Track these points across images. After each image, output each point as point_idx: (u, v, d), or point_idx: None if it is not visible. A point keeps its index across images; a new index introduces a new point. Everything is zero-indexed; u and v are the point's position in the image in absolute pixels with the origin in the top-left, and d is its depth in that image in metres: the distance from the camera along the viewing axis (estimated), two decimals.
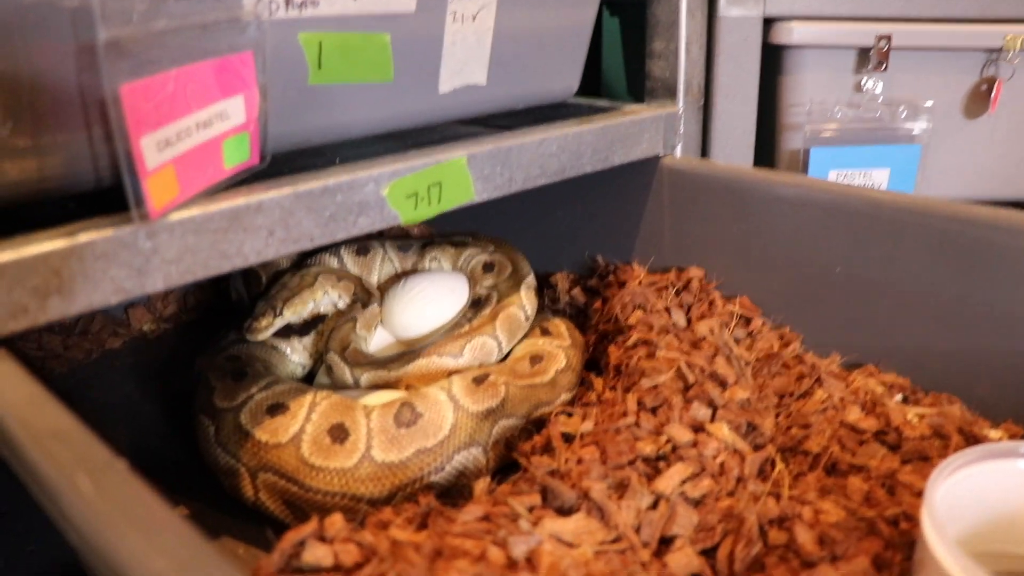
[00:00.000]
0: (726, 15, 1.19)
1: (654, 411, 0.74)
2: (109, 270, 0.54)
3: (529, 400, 0.81)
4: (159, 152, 0.53)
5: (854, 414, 0.75)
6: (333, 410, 0.76)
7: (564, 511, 0.62)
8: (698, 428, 0.71)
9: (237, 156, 0.62)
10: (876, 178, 1.21)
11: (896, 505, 0.62)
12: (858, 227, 0.84)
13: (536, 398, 0.82)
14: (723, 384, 0.78)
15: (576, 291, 1.07)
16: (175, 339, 1.16)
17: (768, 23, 1.21)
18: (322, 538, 0.55)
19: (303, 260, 1.02)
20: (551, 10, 0.88)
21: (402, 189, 0.69)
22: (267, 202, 0.61)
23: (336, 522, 0.56)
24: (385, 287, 1.00)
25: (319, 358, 0.94)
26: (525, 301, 0.92)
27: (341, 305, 0.95)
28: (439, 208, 0.73)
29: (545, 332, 0.93)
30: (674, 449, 0.69)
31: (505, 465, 0.80)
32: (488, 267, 0.98)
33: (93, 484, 0.36)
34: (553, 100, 0.98)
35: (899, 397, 0.80)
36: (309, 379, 0.94)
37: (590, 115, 0.91)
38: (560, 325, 0.95)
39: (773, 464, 0.71)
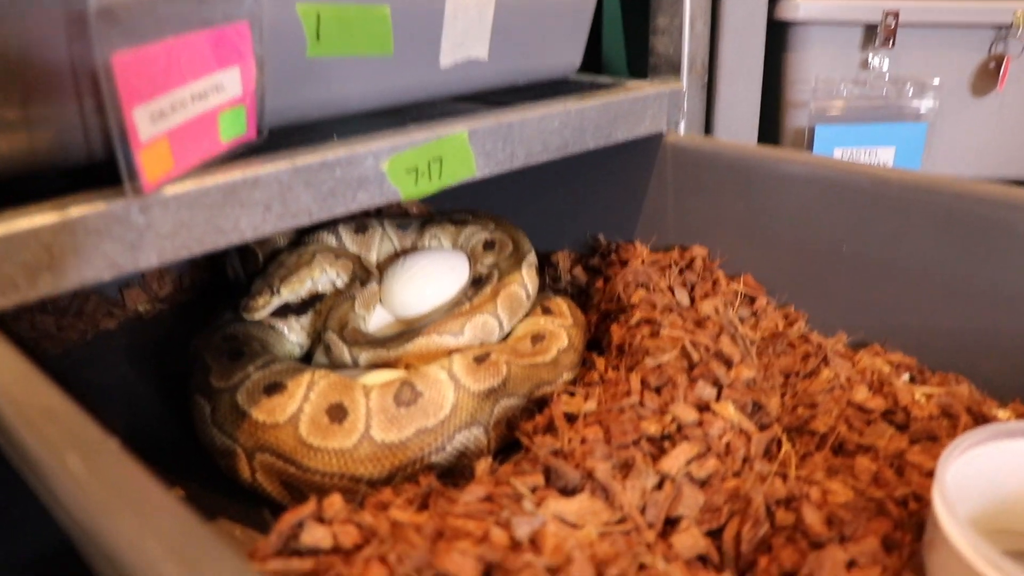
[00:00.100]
0: None
1: (658, 390, 0.73)
2: (101, 245, 0.53)
3: (531, 379, 0.80)
4: (152, 124, 0.52)
5: (861, 394, 0.74)
6: (332, 389, 0.74)
7: (568, 491, 0.60)
8: (703, 408, 0.70)
9: (233, 130, 0.61)
10: (881, 156, 1.20)
11: (905, 485, 0.61)
12: (864, 205, 0.83)
13: (538, 377, 0.81)
14: (728, 363, 0.77)
15: (577, 270, 1.06)
16: (171, 320, 1.15)
17: None
18: (321, 519, 0.54)
19: (301, 238, 1.01)
20: None
21: (402, 164, 0.68)
22: (264, 176, 0.60)
23: (335, 503, 0.55)
24: (384, 265, 0.99)
25: (317, 338, 0.93)
26: (526, 279, 0.90)
27: (339, 284, 0.94)
28: (440, 184, 0.71)
29: (546, 311, 0.92)
30: (679, 429, 0.68)
31: (506, 445, 0.79)
32: (489, 245, 0.97)
33: (83, 463, 0.34)
34: (555, 76, 0.96)
35: (906, 376, 0.79)
36: (307, 359, 0.93)
37: (592, 91, 0.89)
38: (562, 304, 0.94)
39: (779, 444, 0.70)
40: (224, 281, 1.14)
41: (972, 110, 1.23)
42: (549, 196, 1.13)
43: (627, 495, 0.60)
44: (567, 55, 0.94)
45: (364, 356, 0.84)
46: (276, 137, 0.67)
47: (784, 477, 0.65)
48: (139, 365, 1.03)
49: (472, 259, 0.97)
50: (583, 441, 0.65)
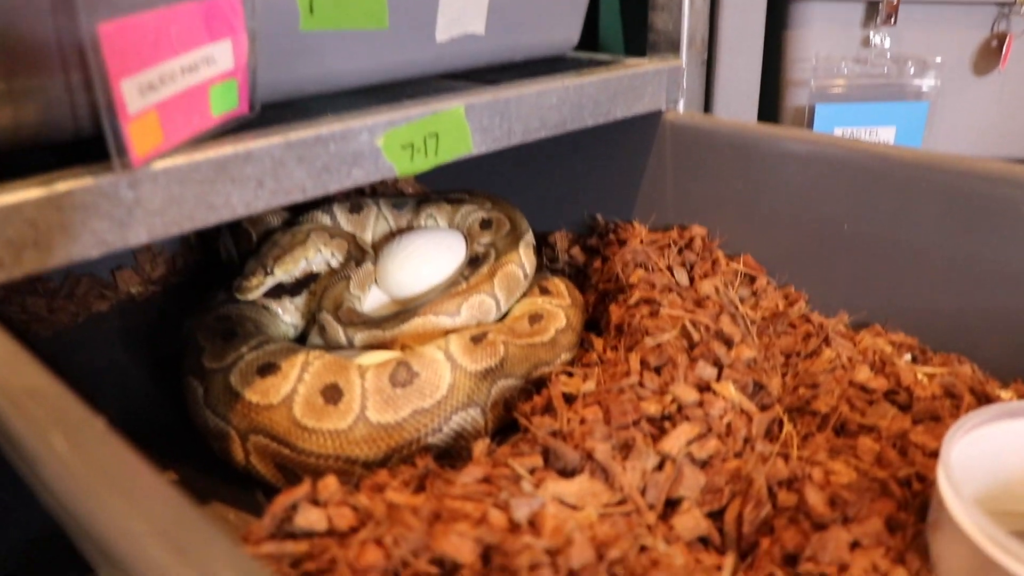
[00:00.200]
0: None
1: (658, 370, 0.72)
2: (89, 221, 0.51)
3: (529, 360, 0.79)
4: (141, 96, 0.50)
5: (863, 374, 0.73)
6: (326, 370, 0.73)
7: (567, 473, 0.60)
8: (704, 388, 0.69)
9: (225, 104, 0.59)
10: (882, 136, 1.19)
11: (908, 466, 0.60)
12: (866, 183, 0.82)
13: (536, 357, 0.80)
14: (729, 343, 0.76)
15: (575, 250, 1.05)
16: (163, 302, 1.13)
17: None
18: (315, 501, 0.53)
19: (295, 218, 1.00)
20: None
21: (397, 139, 0.66)
22: (257, 151, 0.58)
23: (330, 485, 0.54)
24: (379, 245, 0.97)
25: (311, 318, 0.91)
26: (524, 259, 0.89)
27: (334, 263, 0.93)
28: (436, 160, 0.70)
29: (544, 291, 0.91)
30: (679, 409, 0.67)
31: (504, 427, 0.78)
32: (485, 224, 0.95)
33: (68, 442, 0.33)
34: (552, 53, 0.95)
35: (908, 357, 0.78)
36: (301, 340, 0.92)
37: (591, 68, 0.88)
38: (559, 284, 0.93)
39: (781, 425, 0.69)
40: (217, 263, 1.13)
41: (974, 89, 1.22)
42: (546, 176, 1.12)
43: (627, 476, 0.59)
44: (565, 31, 0.93)
45: (359, 337, 0.82)
46: (269, 113, 0.66)
47: (786, 458, 0.64)
48: (132, 348, 1.02)
49: (468, 238, 0.95)
50: (582, 422, 0.64)
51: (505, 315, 0.89)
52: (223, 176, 0.57)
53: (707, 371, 0.71)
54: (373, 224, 1.01)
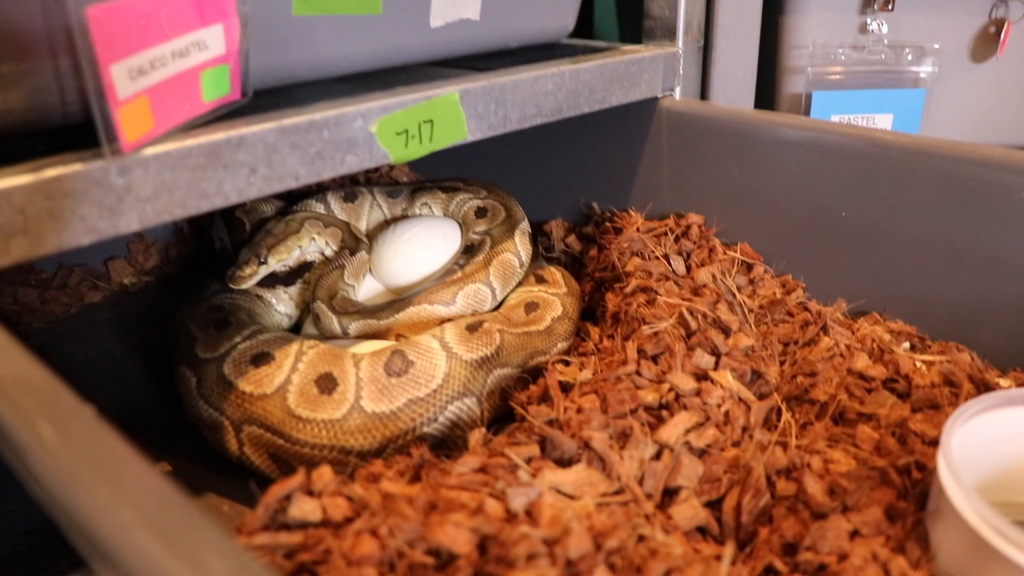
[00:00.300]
0: None
1: (655, 359, 0.71)
2: (79, 209, 0.51)
3: (525, 348, 0.79)
4: (131, 81, 0.50)
5: (862, 362, 0.72)
6: (321, 359, 0.73)
7: (564, 462, 0.59)
8: (701, 376, 0.69)
9: (217, 89, 0.59)
10: (879, 123, 1.18)
11: (908, 454, 0.60)
12: (864, 170, 0.81)
13: (532, 346, 0.79)
14: (726, 331, 0.75)
15: (571, 239, 1.05)
16: (156, 292, 1.13)
17: None
18: (309, 492, 0.53)
19: (288, 207, 0.99)
20: None
21: (392, 126, 0.65)
22: (249, 137, 0.58)
23: (324, 475, 0.54)
24: (374, 234, 0.97)
25: (306, 308, 0.91)
26: (519, 247, 0.89)
27: (328, 252, 0.92)
28: (431, 147, 0.69)
29: (540, 280, 0.90)
30: (677, 398, 0.66)
31: (500, 416, 0.77)
32: (480, 212, 0.95)
33: (56, 431, 0.33)
34: (548, 39, 0.94)
35: (906, 345, 0.78)
36: (295, 330, 0.92)
37: (587, 55, 0.87)
38: (555, 273, 0.92)
39: (779, 413, 0.69)
40: (210, 252, 1.12)
41: (972, 76, 1.21)
42: (541, 164, 1.11)
43: (625, 465, 0.58)
44: (560, 17, 0.92)
45: (354, 326, 0.82)
46: (261, 99, 0.65)
47: (784, 446, 0.63)
48: (125, 338, 1.02)
49: (464, 226, 0.95)
50: (579, 411, 0.64)
51: (501, 304, 0.88)
52: (215, 162, 0.56)
53: (705, 359, 0.71)
54: (367, 212, 1.00)
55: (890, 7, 1.14)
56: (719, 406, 0.66)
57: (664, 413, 0.65)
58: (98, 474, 0.31)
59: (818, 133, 0.84)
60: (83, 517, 0.29)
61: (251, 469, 0.74)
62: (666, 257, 0.89)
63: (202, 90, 0.57)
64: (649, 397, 0.65)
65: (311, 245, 0.91)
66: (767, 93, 1.25)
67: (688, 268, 0.88)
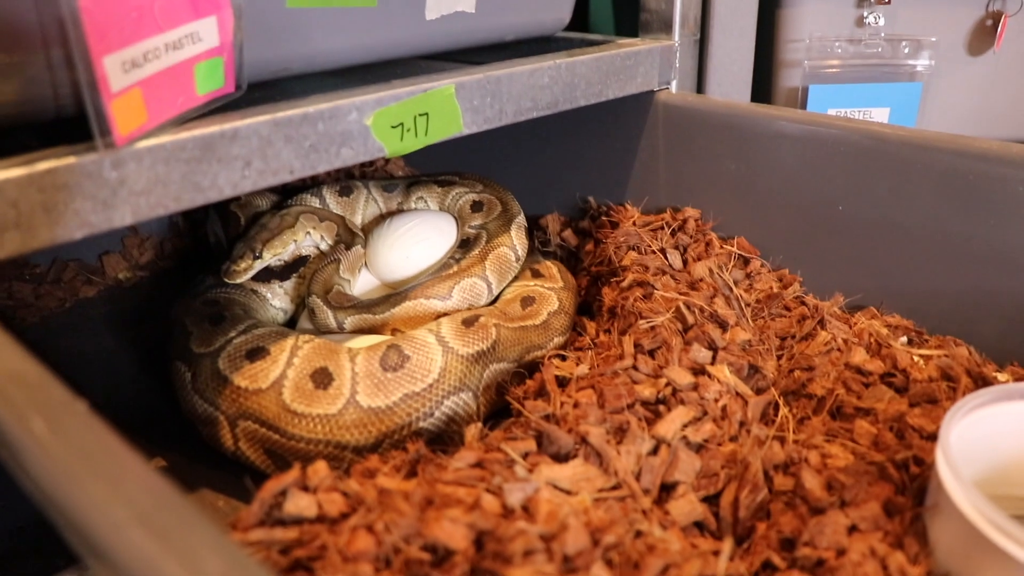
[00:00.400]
0: None
1: (652, 353, 0.71)
2: (72, 202, 0.50)
3: (521, 343, 0.78)
4: (125, 73, 0.49)
5: (859, 356, 0.72)
6: (316, 354, 0.72)
7: (561, 457, 0.59)
8: (699, 371, 0.68)
9: (211, 82, 0.58)
10: (876, 117, 1.18)
11: (906, 449, 0.60)
12: (861, 164, 0.81)
13: (528, 341, 0.79)
14: (723, 326, 0.75)
15: (567, 233, 1.04)
16: (151, 287, 1.12)
17: None
18: (305, 487, 0.53)
19: (283, 201, 0.98)
20: None
21: (387, 119, 0.65)
22: (243, 130, 0.57)
23: (320, 471, 0.54)
24: (369, 228, 0.96)
25: (301, 303, 0.91)
26: (515, 241, 0.88)
27: (323, 246, 0.92)
28: (426, 140, 0.69)
29: (536, 274, 0.90)
30: (674, 392, 0.66)
31: (496, 411, 0.77)
32: (476, 206, 0.94)
33: (48, 426, 0.32)
34: (543, 33, 0.94)
35: (904, 339, 0.77)
36: (291, 325, 0.91)
37: (583, 48, 0.87)
38: (551, 267, 0.92)
39: (776, 408, 0.68)
40: (205, 247, 1.11)
41: (968, 69, 1.21)
42: (537, 158, 1.11)
43: (622, 460, 0.58)
44: (556, 11, 0.92)
45: (350, 320, 0.81)
46: (256, 92, 0.65)
47: (782, 441, 0.63)
48: (119, 333, 1.01)
49: (459, 220, 0.94)
50: (576, 405, 0.63)
51: (497, 298, 0.88)
52: (209, 156, 0.56)
53: (702, 354, 0.70)
54: (363, 207, 1.00)
55: (887, 0, 1.14)
56: (716, 401, 0.65)
57: (661, 408, 0.65)
58: (91, 470, 0.30)
59: (815, 127, 0.83)
60: (76, 514, 0.29)
61: (246, 464, 0.74)
62: (662, 251, 0.89)
63: (196, 83, 0.57)
64: (646, 392, 0.65)
65: (306, 239, 0.91)
66: (763, 87, 1.25)
67: (685, 262, 0.88)
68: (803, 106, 1.19)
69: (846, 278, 0.84)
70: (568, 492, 0.55)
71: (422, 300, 0.81)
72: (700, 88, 1.19)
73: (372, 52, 0.75)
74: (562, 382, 0.70)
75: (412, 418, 0.71)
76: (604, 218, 1.00)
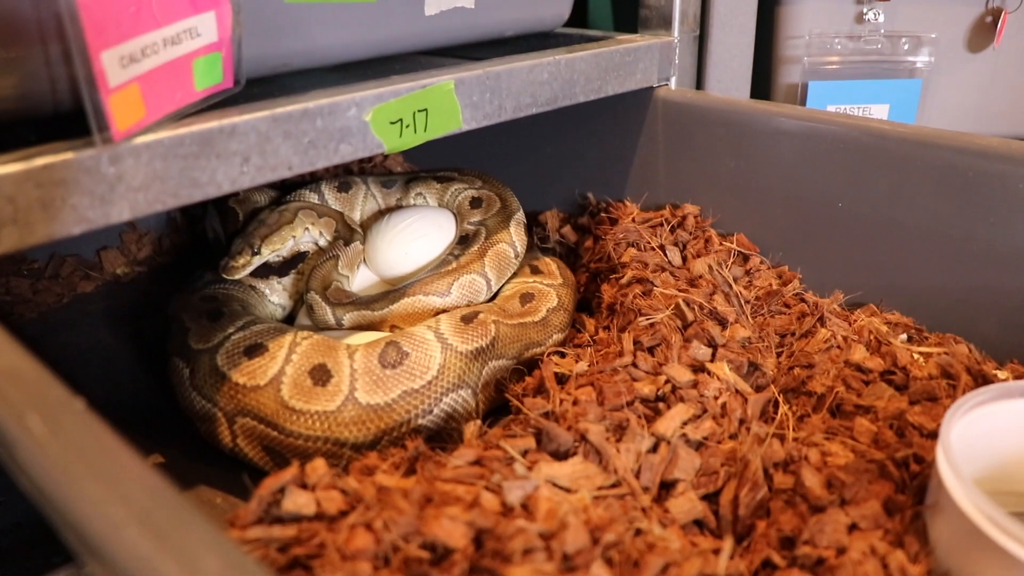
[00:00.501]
0: None
1: (652, 351, 0.71)
2: (69, 198, 0.50)
3: (520, 340, 0.78)
4: (123, 69, 0.49)
5: (859, 353, 0.72)
6: (315, 350, 0.72)
7: (560, 455, 0.59)
8: (698, 368, 0.68)
9: (209, 78, 0.58)
10: (876, 114, 1.18)
11: (906, 447, 0.59)
12: (861, 160, 0.80)
13: (527, 338, 0.79)
14: (723, 323, 0.75)
15: (566, 229, 1.04)
16: (149, 282, 1.12)
17: None
18: (303, 485, 0.52)
19: (282, 197, 0.98)
20: None
21: (386, 114, 0.65)
22: (242, 125, 0.57)
23: (318, 468, 0.53)
24: (368, 224, 0.96)
25: (299, 299, 0.90)
26: (515, 237, 0.88)
27: (322, 242, 0.91)
28: (425, 136, 0.69)
29: (535, 271, 0.90)
30: (674, 390, 0.66)
31: (495, 408, 0.77)
32: (475, 202, 0.94)
33: (45, 424, 0.32)
34: (542, 29, 0.93)
35: (903, 336, 0.77)
36: (289, 321, 0.91)
37: (582, 44, 0.87)
38: (550, 264, 0.92)
39: (776, 405, 0.68)
40: (203, 243, 1.11)
41: (968, 66, 1.21)
42: (536, 154, 1.10)
43: (621, 458, 0.58)
44: (555, 6, 0.92)
45: (348, 317, 0.81)
46: (254, 87, 0.64)
47: (782, 439, 0.63)
48: (117, 329, 1.01)
49: (458, 217, 0.94)
50: (575, 403, 0.63)
51: (496, 295, 0.88)
52: (208, 151, 0.56)
53: (701, 351, 0.70)
54: (361, 203, 1.00)
55: None
56: (716, 398, 0.65)
57: (661, 405, 0.64)
58: (88, 469, 0.30)
59: (815, 123, 0.83)
60: (73, 513, 0.29)
61: (244, 461, 0.74)
62: (662, 248, 0.88)
63: (194, 78, 0.56)
64: (645, 389, 0.65)
65: (305, 235, 0.91)
66: (763, 83, 1.25)
67: (684, 259, 0.88)
68: (803, 102, 1.19)
69: (846, 275, 0.84)
70: (568, 490, 0.55)
71: (421, 296, 0.81)
72: (699, 84, 1.19)
73: (371, 48, 0.75)
74: (561, 379, 0.70)
75: (411, 415, 0.71)
76: (603, 214, 1.00)
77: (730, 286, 0.82)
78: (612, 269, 0.88)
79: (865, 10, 1.17)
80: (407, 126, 0.67)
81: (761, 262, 0.89)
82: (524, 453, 0.58)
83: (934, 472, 0.52)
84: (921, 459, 0.58)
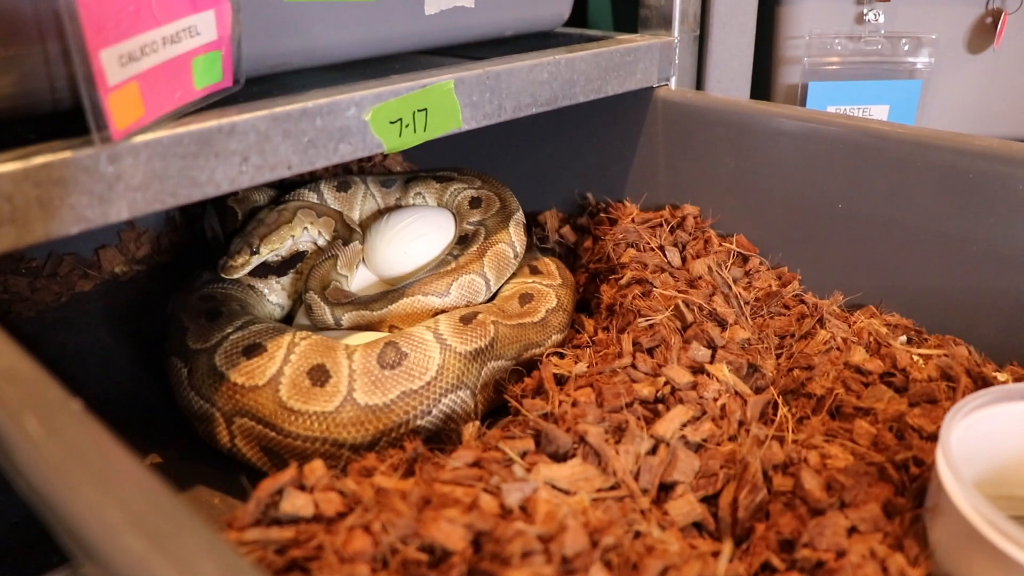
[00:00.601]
0: None
1: (651, 352, 0.71)
2: (68, 197, 0.50)
3: (519, 340, 0.78)
4: (122, 67, 0.49)
5: (859, 355, 0.72)
6: (313, 351, 0.72)
7: (559, 456, 0.58)
8: (697, 369, 0.68)
9: (208, 76, 0.58)
10: (876, 114, 1.18)
11: (906, 449, 0.59)
12: (861, 161, 0.80)
13: (526, 338, 0.79)
14: (722, 324, 0.75)
15: (565, 230, 1.04)
16: (147, 281, 1.12)
17: None
18: (301, 486, 0.52)
19: (281, 196, 0.98)
20: None
21: (385, 114, 0.65)
22: (241, 125, 0.57)
23: (316, 469, 0.53)
24: (367, 224, 0.96)
25: (298, 299, 0.90)
26: (514, 238, 0.88)
27: (321, 242, 0.91)
28: (425, 136, 0.69)
29: (534, 271, 0.90)
30: (673, 391, 0.66)
31: (494, 409, 0.77)
32: (475, 202, 0.94)
33: (42, 426, 0.32)
34: (542, 28, 0.93)
35: (903, 338, 0.77)
36: (288, 321, 0.91)
37: (582, 43, 0.86)
38: (550, 264, 0.91)
39: (776, 407, 0.68)
40: (202, 242, 1.11)
41: (968, 67, 1.21)
42: (536, 154, 1.10)
43: (620, 460, 0.58)
44: (555, 6, 0.92)
45: (347, 317, 0.81)
46: (254, 87, 0.64)
47: (781, 441, 0.63)
48: (115, 328, 1.01)
49: (458, 217, 0.94)
50: (574, 404, 0.63)
51: (495, 295, 0.87)
52: (207, 150, 0.56)
53: (700, 353, 0.70)
54: (361, 202, 1.00)
55: None
56: (715, 400, 0.65)
57: (660, 407, 0.64)
58: (85, 471, 0.30)
59: (814, 124, 0.83)
60: (69, 516, 0.29)
61: (242, 462, 0.74)
62: (661, 248, 0.88)
63: (193, 77, 0.56)
64: (645, 391, 0.65)
65: (304, 235, 0.90)
66: (763, 83, 1.25)
67: (683, 260, 0.88)
68: (803, 103, 1.19)
69: (845, 276, 0.84)
70: (566, 492, 0.55)
71: (420, 297, 0.80)
72: (699, 85, 1.19)
73: (371, 47, 0.75)
74: (560, 380, 0.70)
75: (409, 416, 0.70)
76: (603, 215, 1.00)
77: (730, 287, 0.82)
78: (611, 270, 0.88)
79: (865, 11, 1.17)
80: (407, 126, 0.67)
81: (761, 263, 0.89)
82: (523, 455, 0.58)
83: (934, 475, 0.52)
84: (921, 462, 0.58)
